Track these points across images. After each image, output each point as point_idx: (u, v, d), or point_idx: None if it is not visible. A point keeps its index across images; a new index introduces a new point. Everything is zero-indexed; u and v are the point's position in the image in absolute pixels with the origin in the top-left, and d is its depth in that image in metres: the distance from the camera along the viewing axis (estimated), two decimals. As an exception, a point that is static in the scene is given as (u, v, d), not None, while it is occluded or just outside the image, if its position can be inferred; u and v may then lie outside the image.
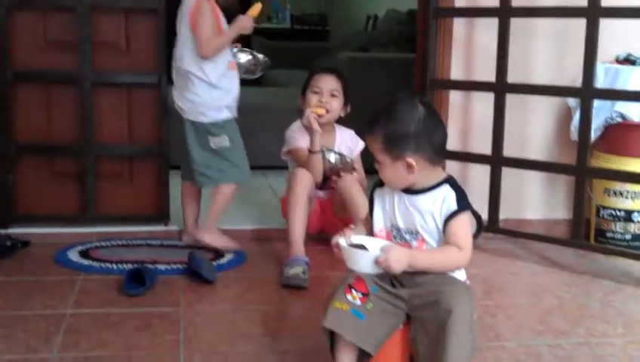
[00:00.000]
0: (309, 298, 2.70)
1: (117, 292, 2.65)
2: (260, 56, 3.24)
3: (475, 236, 1.95)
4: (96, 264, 2.92)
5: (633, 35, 3.35)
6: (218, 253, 3.10)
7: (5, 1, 3.14)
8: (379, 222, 1.99)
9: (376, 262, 1.81)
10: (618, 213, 3.30)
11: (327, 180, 3.22)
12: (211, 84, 3.01)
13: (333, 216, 3.24)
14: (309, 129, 3.11)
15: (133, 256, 3.01)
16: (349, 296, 1.89)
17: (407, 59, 4.51)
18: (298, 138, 3.20)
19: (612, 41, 3.25)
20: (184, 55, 3.00)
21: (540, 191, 3.56)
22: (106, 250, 3.11)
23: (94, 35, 3.22)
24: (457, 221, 1.87)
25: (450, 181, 1.94)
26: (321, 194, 3.28)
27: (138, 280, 2.69)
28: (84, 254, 3.03)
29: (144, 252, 3.10)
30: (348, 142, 3.31)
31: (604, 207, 3.34)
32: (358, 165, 3.30)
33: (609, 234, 3.34)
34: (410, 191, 1.93)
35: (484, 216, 3.28)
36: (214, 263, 2.97)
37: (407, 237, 1.92)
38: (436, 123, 1.92)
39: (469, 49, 3.42)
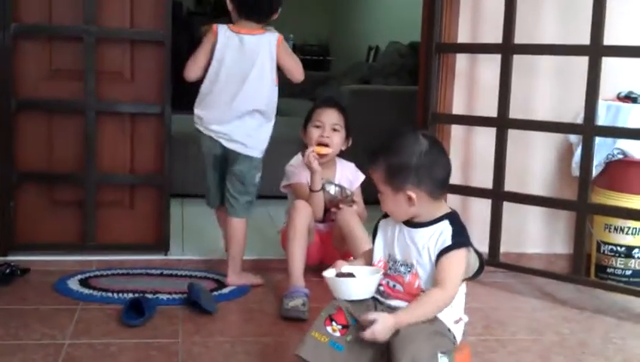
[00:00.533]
0: (308, 330, 2.67)
1: (116, 323, 2.64)
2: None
3: (476, 275, 1.96)
4: (96, 293, 2.92)
5: (634, 73, 3.37)
6: (220, 284, 3.10)
7: (11, 30, 3.16)
8: (378, 252, 2.01)
9: (364, 337, 1.82)
10: (619, 248, 3.30)
11: (327, 212, 3.23)
12: (271, 121, 3.11)
13: (332, 247, 3.24)
14: (309, 167, 3.11)
15: (134, 286, 3.00)
16: (328, 328, 1.90)
17: (409, 92, 4.53)
18: (298, 173, 3.21)
19: (613, 78, 3.28)
20: (253, 94, 3.02)
21: (540, 225, 3.56)
22: (106, 278, 3.10)
23: (99, 65, 3.25)
24: (449, 257, 1.87)
25: (451, 216, 1.94)
26: (320, 226, 3.28)
27: (137, 310, 2.69)
28: (84, 283, 3.02)
29: (144, 281, 3.09)
30: (348, 176, 3.32)
31: (605, 243, 3.34)
32: (358, 198, 3.31)
33: (609, 270, 3.33)
34: (410, 223, 1.94)
35: (485, 249, 3.28)
36: (215, 293, 2.96)
37: (402, 269, 1.93)
38: (439, 157, 1.93)
39: (471, 84, 3.44)
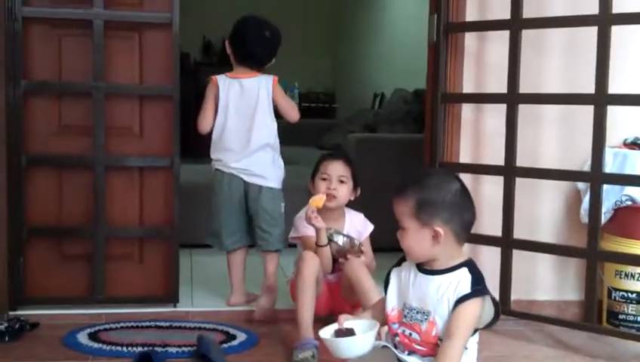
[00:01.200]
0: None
1: (126, 379, 2.63)
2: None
3: (491, 324, 1.94)
4: (105, 347, 2.90)
5: (639, 120, 3.39)
6: (229, 336, 3.08)
7: (21, 87, 3.20)
8: (392, 301, 1.99)
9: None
10: (630, 295, 3.28)
11: (336, 263, 3.22)
12: (279, 153, 3.44)
13: (341, 298, 3.23)
14: (312, 225, 3.12)
15: (143, 339, 2.98)
16: None
17: (415, 140, 4.56)
18: (306, 226, 3.21)
19: (619, 125, 3.30)
20: (263, 130, 3.34)
21: (550, 272, 3.54)
22: (115, 332, 3.09)
23: (108, 120, 3.28)
24: (465, 306, 1.85)
25: (469, 264, 1.93)
26: (329, 276, 3.27)
27: (147, 363, 2.67)
28: (93, 336, 3.01)
29: (153, 334, 3.07)
30: (357, 226, 3.32)
31: (616, 289, 3.32)
32: (367, 248, 3.30)
33: (621, 316, 3.30)
34: (427, 270, 1.93)
35: (496, 297, 3.26)
36: (225, 345, 2.94)
37: (419, 317, 1.92)
38: (469, 200, 1.95)
39: (477, 133, 3.46)
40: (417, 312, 1.92)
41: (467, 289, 1.87)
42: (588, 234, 3.07)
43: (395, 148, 4.70)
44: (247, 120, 3.33)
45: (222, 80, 3.37)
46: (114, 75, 3.29)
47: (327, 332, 1.95)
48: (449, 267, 1.92)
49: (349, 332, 1.93)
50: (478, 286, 1.88)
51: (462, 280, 1.88)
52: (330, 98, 9.12)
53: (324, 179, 3.24)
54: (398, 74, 6.76)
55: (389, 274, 2.03)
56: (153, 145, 3.35)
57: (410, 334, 1.94)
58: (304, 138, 6.84)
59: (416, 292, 1.94)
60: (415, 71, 5.92)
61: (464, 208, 1.91)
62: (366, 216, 3.37)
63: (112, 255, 3.33)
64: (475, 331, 1.91)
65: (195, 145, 3.96)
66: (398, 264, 2.02)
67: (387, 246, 3.29)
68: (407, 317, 1.94)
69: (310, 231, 3.17)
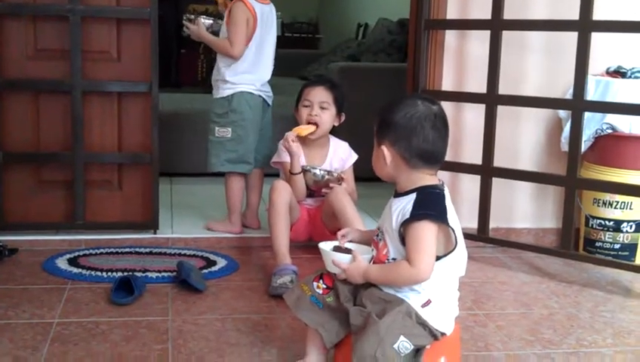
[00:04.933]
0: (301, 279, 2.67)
1: (105, 301, 2.64)
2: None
3: (448, 253, 1.90)
4: (85, 272, 2.91)
5: (623, 48, 3.37)
6: (209, 261, 3.09)
7: (-5, 9, 3.13)
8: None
9: (337, 273, 1.95)
10: (607, 223, 3.31)
11: (317, 189, 3.23)
12: None
13: (321, 224, 3.24)
14: (287, 150, 3.12)
15: (123, 264, 3.00)
16: (315, 284, 2.01)
17: (398, 69, 4.53)
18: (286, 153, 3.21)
19: (602, 53, 3.28)
20: (274, 56, 3.51)
21: (529, 200, 3.58)
22: (95, 257, 3.09)
23: (85, 44, 3.21)
24: (410, 231, 1.84)
25: (421, 190, 1.89)
26: (309, 201, 3.27)
27: (127, 288, 2.68)
28: (72, 262, 3.01)
29: (133, 260, 3.08)
30: (341, 155, 3.32)
31: (594, 217, 3.35)
32: (350, 178, 3.31)
33: (598, 244, 3.35)
34: (394, 194, 1.95)
35: (474, 225, 3.28)
36: (205, 271, 2.96)
37: (380, 236, 1.97)
38: (430, 129, 1.88)
39: (461, 60, 3.43)
40: (380, 231, 1.98)
41: (407, 215, 1.85)
42: (568, 162, 3.08)
43: (377, 77, 4.66)
44: (269, 46, 3.47)
45: (256, 6, 3.37)
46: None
47: (326, 246, 2.03)
48: (404, 191, 1.92)
49: (347, 251, 2.00)
50: (421, 210, 1.84)
51: (407, 205, 1.87)
52: (314, 28, 9.01)
53: (306, 106, 3.22)
54: (382, 3, 6.68)
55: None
56: (132, 71, 3.29)
57: (373, 250, 2.00)
58: (287, 68, 6.75)
59: (384, 213, 1.98)
60: (399, 0, 5.86)
61: (417, 133, 1.86)
62: (349, 145, 3.37)
63: (90, 181, 3.31)
64: (438, 258, 1.88)
65: (176, 73, 3.90)
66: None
67: (369, 177, 3.34)
68: (377, 236, 1.98)
69: (293, 149, 3.15)
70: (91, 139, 3.28)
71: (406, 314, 1.86)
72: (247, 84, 3.40)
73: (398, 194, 1.94)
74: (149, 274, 2.89)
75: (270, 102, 3.52)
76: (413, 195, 1.89)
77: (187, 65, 7.77)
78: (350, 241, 2.08)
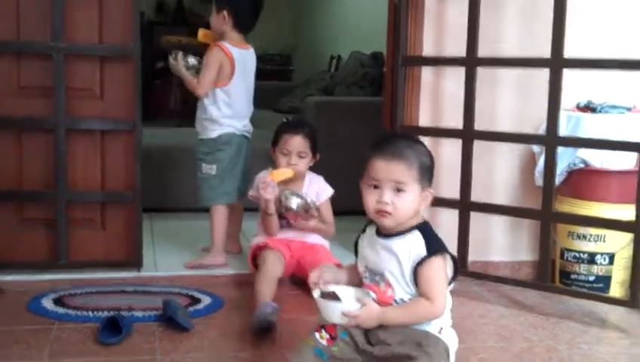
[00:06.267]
0: (283, 343, 2.69)
1: (93, 341, 2.64)
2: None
3: (453, 280, 2.01)
4: (71, 312, 2.91)
5: (593, 83, 3.47)
6: (194, 299, 3.12)
7: (-21, 47, 3.14)
8: (359, 265, 2.06)
9: (348, 317, 1.90)
10: (582, 255, 3.40)
11: (291, 218, 3.32)
12: None
13: (303, 260, 3.29)
14: (262, 195, 3.23)
15: (109, 304, 3.00)
16: (317, 335, 1.99)
17: (373, 103, 4.61)
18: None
19: (572, 88, 3.37)
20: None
21: (504, 234, 3.65)
22: (80, 297, 3.09)
23: (69, 82, 3.24)
24: (426, 268, 1.91)
25: (422, 227, 1.97)
26: (290, 234, 3.34)
27: (114, 328, 2.69)
28: (58, 302, 3.01)
29: (119, 299, 3.08)
30: (316, 189, 3.39)
31: (569, 250, 3.43)
32: (327, 212, 3.40)
33: (573, 276, 3.43)
34: (385, 235, 1.99)
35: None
36: (190, 309, 2.97)
37: (377, 278, 1.98)
38: None
39: (437, 96, 3.52)
40: (376, 274, 1.99)
41: (423, 252, 1.92)
42: (542, 196, 3.16)
43: (354, 112, 4.74)
44: (250, 87, 3.66)
45: (235, 51, 3.53)
46: (73, 35, 3.25)
47: (317, 294, 1.99)
48: (404, 229, 1.97)
49: (334, 296, 1.98)
50: (434, 246, 1.94)
51: (415, 244, 1.93)
52: (287, 60, 9.09)
53: (285, 154, 3.31)
54: (355, 36, 6.77)
55: (357, 242, 2.09)
56: (114, 108, 3.32)
57: (368, 293, 2.01)
58: (261, 101, 6.80)
59: (375, 255, 2.00)
60: (372, 33, 5.96)
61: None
62: (324, 178, 3.44)
63: (74, 219, 3.32)
64: None
65: (156, 109, 3.96)
66: (364, 231, 2.08)
67: (347, 210, 3.44)
68: (366, 279, 2.01)
69: (267, 194, 3.24)
70: (74, 177, 3.30)
71: (441, 346, 1.94)
72: (231, 126, 3.56)
73: (393, 234, 1.97)
74: (135, 313, 2.90)
75: (250, 136, 3.67)
76: (416, 233, 1.95)
77: (162, 96, 7.81)
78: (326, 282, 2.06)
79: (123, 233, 3.38)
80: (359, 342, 1.96)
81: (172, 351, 2.60)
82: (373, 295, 1.99)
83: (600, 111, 3.40)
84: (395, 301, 1.96)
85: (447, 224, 3.42)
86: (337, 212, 3.46)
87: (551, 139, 3.11)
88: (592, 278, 3.39)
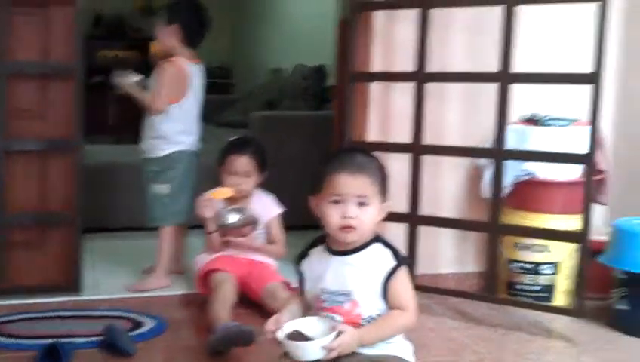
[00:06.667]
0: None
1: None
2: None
3: None
4: (5, 340, 2.77)
5: (537, 96, 3.50)
6: (136, 323, 3.02)
7: None
8: (310, 290, 2.00)
9: (328, 350, 1.81)
10: (527, 266, 3.42)
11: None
12: None
13: (253, 280, 3.23)
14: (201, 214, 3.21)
15: (47, 330, 2.88)
16: None
17: (319, 117, 4.58)
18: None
19: (517, 101, 3.39)
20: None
21: (451, 246, 3.65)
22: (15, 324, 2.95)
23: (8, 102, 3.11)
24: (397, 279, 1.90)
25: (380, 239, 1.96)
26: (232, 252, 3.28)
27: (53, 357, 2.56)
28: (-8, 330, 2.88)
29: (56, 324, 2.97)
30: (263, 207, 3.35)
31: (514, 261, 3.45)
32: (276, 230, 3.37)
33: (519, 286, 3.44)
34: (340, 252, 1.95)
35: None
36: (134, 333, 2.87)
37: (340, 299, 1.93)
38: None
39: (386, 111, 3.51)
40: (338, 294, 1.93)
41: (391, 263, 1.90)
42: (490, 208, 3.17)
43: (299, 126, 4.70)
44: (200, 103, 3.60)
45: (188, 65, 3.50)
46: (15, 54, 3.13)
47: (283, 335, 1.89)
48: (362, 244, 1.94)
49: (300, 335, 1.89)
50: (400, 256, 1.94)
51: (382, 256, 1.92)
52: (227, 73, 9.01)
53: (230, 174, 3.27)
54: (297, 49, 6.75)
55: (300, 268, 2.03)
56: (55, 128, 3.20)
57: (333, 317, 1.95)
58: (203, 115, 6.74)
59: (334, 275, 1.94)
60: (314, 46, 5.95)
61: None
62: (270, 191, 3.39)
63: (11, 242, 3.18)
64: None
65: (90, 124, 3.85)
66: (305, 255, 2.02)
67: (296, 224, 3.40)
68: (327, 302, 1.94)
69: (204, 213, 3.22)
70: (13, 198, 3.16)
71: None
72: (182, 142, 3.50)
73: (351, 251, 1.93)
74: (76, 340, 2.77)
75: (198, 151, 3.61)
76: (378, 245, 1.94)
77: (98, 113, 7.63)
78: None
79: (63, 255, 3.25)
80: None
81: (116, 378, 2.51)
82: (339, 318, 1.92)
83: (544, 124, 3.43)
84: (364, 319, 1.92)
85: (395, 238, 3.37)
86: (286, 227, 3.42)
87: (498, 153, 3.12)
88: (537, 288, 3.41)
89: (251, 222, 3.24)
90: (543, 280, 3.40)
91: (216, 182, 3.32)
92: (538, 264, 3.39)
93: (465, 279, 3.67)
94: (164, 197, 3.47)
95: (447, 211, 3.56)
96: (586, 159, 2.95)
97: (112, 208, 4.40)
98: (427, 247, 3.48)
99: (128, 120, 4.10)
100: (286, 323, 1.91)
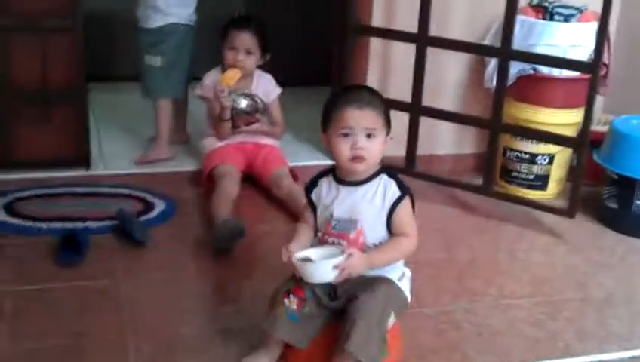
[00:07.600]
0: (241, 261, 2.75)
1: (50, 262, 2.62)
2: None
3: None
4: (24, 223, 2.85)
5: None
6: (146, 204, 3.10)
7: None
8: (320, 216, 2.10)
9: (338, 270, 1.92)
10: (523, 155, 3.51)
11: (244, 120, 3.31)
12: None
13: (257, 162, 3.31)
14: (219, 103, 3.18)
15: (61, 210, 2.96)
16: (286, 301, 2.03)
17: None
18: (211, 90, 3.26)
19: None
20: None
21: (450, 128, 3.68)
22: (28, 202, 3.02)
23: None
24: (402, 208, 2.02)
25: (386, 170, 2.06)
26: (239, 138, 3.33)
27: (72, 243, 2.67)
28: (7, 209, 2.95)
29: (69, 204, 3.05)
30: (265, 88, 3.36)
31: (511, 149, 3.53)
32: (276, 112, 3.40)
33: (514, 174, 3.56)
34: (350, 182, 2.04)
35: (402, 153, 3.40)
36: (143, 218, 2.96)
37: (348, 226, 2.04)
38: None
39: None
40: (346, 222, 2.04)
41: (397, 193, 2.01)
42: (492, 106, 3.19)
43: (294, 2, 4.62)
44: None
45: None
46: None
47: (297, 257, 1.99)
48: (369, 176, 2.04)
49: (309, 260, 1.99)
50: (404, 186, 2.04)
51: (389, 187, 2.02)
52: None
53: (232, 49, 3.22)
54: None
55: (309, 195, 2.12)
56: (55, 5, 3.13)
57: (339, 242, 2.06)
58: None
59: (342, 204, 2.04)
60: None
61: None
62: (275, 57, 3.39)
63: (18, 117, 3.20)
64: None
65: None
66: (315, 184, 2.10)
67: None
68: (335, 228, 2.05)
69: (227, 102, 3.20)
70: (18, 74, 3.16)
71: (393, 287, 2.05)
72: (176, 14, 3.42)
73: (361, 181, 2.03)
74: (90, 225, 2.88)
75: (194, 25, 3.54)
76: (385, 176, 2.04)
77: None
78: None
79: (70, 131, 3.28)
80: (323, 300, 2.04)
81: (131, 270, 2.61)
82: (344, 243, 2.03)
83: (552, 11, 3.39)
84: (368, 246, 2.03)
85: (396, 125, 3.41)
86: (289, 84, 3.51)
87: (505, 53, 3.10)
88: (531, 177, 3.53)
89: (260, 108, 3.27)
90: (537, 169, 3.51)
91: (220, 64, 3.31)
92: (535, 155, 3.48)
93: (461, 159, 3.76)
94: (157, 70, 3.46)
95: (449, 98, 3.60)
96: (591, 68, 2.94)
97: (115, 57, 4.40)
98: (426, 128, 3.49)
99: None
100: (298, 253, 2.02)
